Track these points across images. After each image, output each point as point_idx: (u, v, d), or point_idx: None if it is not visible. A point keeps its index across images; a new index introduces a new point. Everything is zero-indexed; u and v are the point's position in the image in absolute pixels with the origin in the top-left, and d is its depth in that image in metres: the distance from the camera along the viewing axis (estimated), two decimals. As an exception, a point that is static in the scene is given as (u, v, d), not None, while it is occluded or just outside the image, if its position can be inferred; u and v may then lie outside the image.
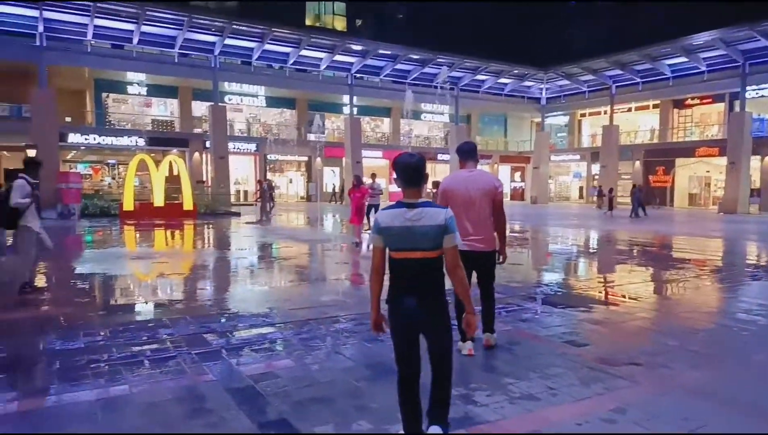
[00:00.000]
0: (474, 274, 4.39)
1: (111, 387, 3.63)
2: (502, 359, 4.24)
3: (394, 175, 2.72)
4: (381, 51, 32.89)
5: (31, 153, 18.66)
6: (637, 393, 3.58)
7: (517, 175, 46.98)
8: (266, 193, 20.42)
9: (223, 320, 5.45)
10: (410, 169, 2.66)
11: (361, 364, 4.08)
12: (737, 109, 31.21)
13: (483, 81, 38.98)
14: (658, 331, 5.19)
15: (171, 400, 3.40)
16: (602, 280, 8.74)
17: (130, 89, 33.53)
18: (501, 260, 4.52)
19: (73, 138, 29.50)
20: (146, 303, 6.48)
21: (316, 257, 11.19)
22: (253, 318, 5.54)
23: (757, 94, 31.42)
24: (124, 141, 30.79)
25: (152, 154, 25.79)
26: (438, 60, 34.82)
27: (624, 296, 6.99)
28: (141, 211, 18.92)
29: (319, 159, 34.66)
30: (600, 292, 7.38)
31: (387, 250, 2.66)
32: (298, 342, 4.69)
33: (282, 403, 3.36)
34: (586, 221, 22.27)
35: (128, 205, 19.35)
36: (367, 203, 14.44)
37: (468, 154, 4.39)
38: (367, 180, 14.97)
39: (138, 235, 14.94)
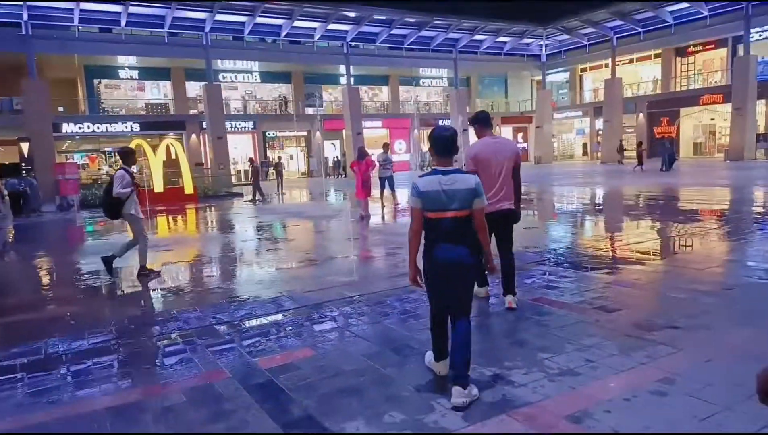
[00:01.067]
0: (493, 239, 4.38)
1: (119, 393, 3.42)
2: (533, 332, 4.03)
3: (428, 146, 3.23)
4: (375, 16, 31.98)
5: (132, 143, 18.67)
6: (682, 360, 3.37)
7: (520, 135, 46.31)
8: (258, 172, 20.08)
9: (233, 309, 5.22)
10: (445, 141, 3.12)
11: (386, 348, 3.88)
12: (741, 53, 30.37)
13: (481, 41, 38.02)
14: (690, 289, 4.96)
15: (186, 403, 3.19)
16: (626, 238, 8.48)
17: (122, 74, 32.90)
18: (516, 219, 4.80)
19: (67, 128, 29.09)
20: (152, 296, 6.27)
21: (323, 235, 10.97)
22: (264, 304, 5.32)
23: (760, 36, 30.53)
24: (119, 127, 30.36)
25: (148, 139, 25.41)
26: (435, 22, 33.87)
27: (650, 254, 6.75)
28: (141, 198, 18.61)
29: (318, 133, 34.24)
30: (625, 252, 7.12)
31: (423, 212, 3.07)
32: (314, 328, 4.49)
33: (306, 397, 3.15)
34: (619, 178, 21.76)
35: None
36: (379, 177, 14.11)
37: (484, 121, 4.72)
38: (376, 151, 14.51)
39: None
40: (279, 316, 4.87)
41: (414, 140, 38.22)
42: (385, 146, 14.95)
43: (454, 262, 3.02)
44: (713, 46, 34.22)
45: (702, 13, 31.11)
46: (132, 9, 26.74)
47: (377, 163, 14.06)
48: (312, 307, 5.08)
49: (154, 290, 6.38)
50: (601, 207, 13.46)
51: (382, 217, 12.82)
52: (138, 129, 30.58)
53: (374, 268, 7.19)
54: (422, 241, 3.14)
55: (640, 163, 24.23)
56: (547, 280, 5.63)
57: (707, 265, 5.91)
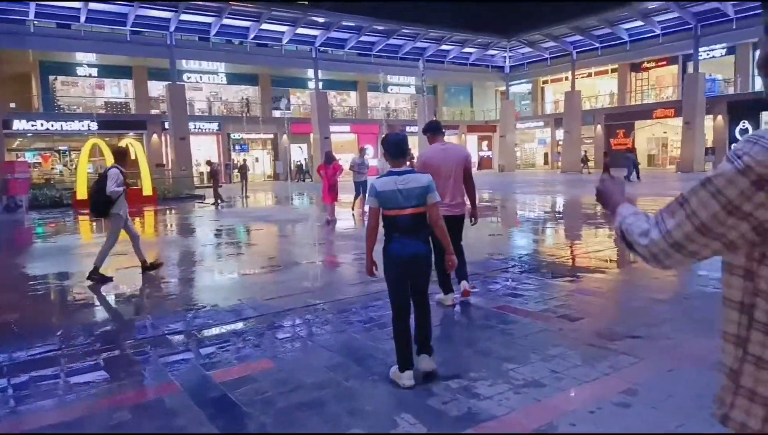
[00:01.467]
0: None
1: (60, 408, 3.18)
2: (498, 341, 4.00)
3: (382, 150, 3.46)
4: (344, 23, 31.92)
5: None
6: (644, 370, 3.39)
7: (485, 144, 47.01)
8: (217, 174, 19.58)
9: (189, 317, 5.01)
10: (397, 144, 3.40)
11: (349, 359, 3.78)
12: (690, 70, 31.69)
13: (448, 51, 38.46)
14: (650, 298, 5.05)
15: (133, 419, 3.00)
16: (587, 247, 8.63)
17: (80, 71, 31.77)
18: (474, 222, 5.15)
19: (19, 125, 27.86)
20: (103, 303, 5.96)
21: (287, 239, 10.78)
22: (223, 313, 5.12)
23: (708, 55, 32.02)
24: (75, 125, 29.28)
25: (107, 138, 24.55)
26: (403, 31, 34.07)
27: (610, 262, 6.87)
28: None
29: (285, 136, 33.86)
30: (586, 260, 7.22)
31: (381, 210, 3.29)
32: (275, 337, 4.35)
33: (263, 412, 3.01)
34: (581, 187, 22.27)
35: (81, 193, 18.23)
36: (354, 181, 13.88)
37: (435, 130, 4.97)
38: (345, 156, 14.29)
39: (92, 226, 14.17)
40: (238, 325, 4.70)
41: (381, 146, 38.26)
42: (361, 150, 14.70)
43: (411, 255, 3.26)
44: (665, 62, 35.65)
45: (655, 32, 32.34)
46: (93, 5, 25.84)
47: (354, 167, 13.88)
48: (273, 315, 4.93)
49: (105, 297, 6.10)
50: (562, 215, 13.71)
51: (354, 221, 12.71)
52: (96, 128, 29.53)
53: (339, 274, 7.08)
54: (380, 237, 3.36)
55: (607, 171, 24.76)
56: (511, 287, 5.65)
57: (664, 274, 6.05)
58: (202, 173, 34.05)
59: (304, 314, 4.92)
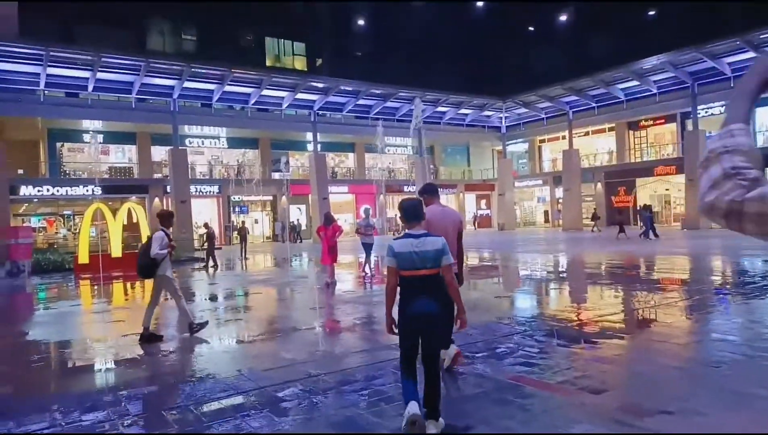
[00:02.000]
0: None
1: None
2: (518, 419, 3.70)
3: (399, 214, 3.74)
4: (343, 87, 32.82)
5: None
6: (681, 452, 3.09)
7: (483, 202, 47.28)
8: (213, 237, 19.42)
9: (185, 390, 4.71)
10: (412, 209, 3.63)
11: (357, 441, 3.47)
12: (689, 127, 32.25)
13: (444, 112, 39.36)
14: (674, 366, 4.76)
15: None
16: (601, 309, 8.35)
17: (86, 137, 32.33)
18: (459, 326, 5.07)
19: (25, 190, 28.15)
20: (94, 373, 5.65)
21: (286, 303, 10.49)
22: (220, 385, 4.81)
23: (706, 112, 32.63)
24: (79, 190, 29.52)
25: (110, 203, 24.70)
26: (399, 94, 34.97)
27: (628, 326, 6.58)
28: (97, 264, 17.65)
29: (284, 197, 34.05)
30: (602, 324, 6.93)
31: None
32: (277, 415, 4.04)
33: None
34: (586, 246, 22.05)
35: (83, 257, 18.12)
36: (362, 243, 13.64)
37: (432, 193, 5.23)
38: (344, 216, 14.15)
39: (91, 290, 13.91)
40: (235, 400, 4.39)
41: (380, 206, 38.38)
42: (366, 211, 14.15)
43: (424, 314, 3.40)
44: (663, 121, 36.33)
45: (651, 91, 33.13)
46: (100, 75, 26.66)
47: (360, 229, 13.67)
48: (273, 388, 4.63)
49: (92, 367, 5.78)
50: (570, 276, 13.42)
51: (366, 284, 12.43)
52: (100, 192, 29.64)
53: (341, 341, 6.76)
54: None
55: (622, 230, 24.17)
56: (524, 355, 5.35)
57: (688, 340, 5.77)
58: (201, 236, 34.02)
59: (305, 387, 4.61)
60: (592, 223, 32.12)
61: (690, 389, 4.13)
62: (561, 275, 13.35)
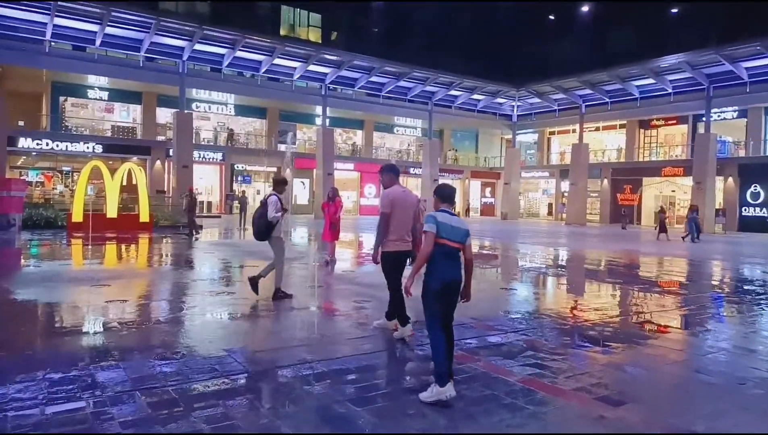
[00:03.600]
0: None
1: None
2: (532, 428, 3.44)
3: (434, 195, 4.29)
4: (356, 62, 32.20)
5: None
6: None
7: (488, 190, 46.95)
8: (195, 203, 18.97)
9: (165, 370, 4.38)
10: (450, 192, 4.24)
11: (357, 439, 3.22)
12: (700, 130, 31.79)
13: (456, 96, 38.76)
14: (699, 380, 4.51)
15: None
16: (611, 309, 8.10)
17: (91, 93, 31.95)
18: (411, 262, 5.42)
19: (24, 142, 27.78)
20: (68, 343, 5.30)
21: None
22: (205, 366, 4.49)
23: (719, 117, 32.16)
24: (80, 147, 29.15)
25: (110, 162, 24.40)
26: (413, 74, 34.35)
27: (647, 330, 6.32)
28: (91, 223, 17.32)
29: (288, 170, 33.69)
30: (618, 326, 6.67)
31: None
32: (266, 404, 3.79)
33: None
34: (592, 240, 21.87)
35: (77, 215, 17.75)
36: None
37: (396, 173, 5.66)
38: (349, 193, 13.79)
39: (81, 250, 13.64)
40: (219, 384, 4.09)
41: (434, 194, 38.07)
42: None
43: (456, 280, 3.94)
44: (675, 121, 35.83)
45: (666, 90, 32.54)
46: (109, 30, 26.04)
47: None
48: (261, 374, 4.38)
49: (62, 333, 5.53)
50: (581, 272, 13.16)
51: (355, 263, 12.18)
52: (100, 150, 29.43)
53: (338, 325, 6.48)
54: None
55: (663, 230, 22.97)
56: (534, 356, 5.09)
57: (709, 350, 5.51)
58: (201, 202, 33.76)
59: (296, 374, 4.35)
60: (623, 221, 32.02)
61: (718, 407, 3.89)
62: (568, 269, 13.07)
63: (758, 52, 26.63)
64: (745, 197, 30.69)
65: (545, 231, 27.95)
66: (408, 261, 5.48)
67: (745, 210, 30.29)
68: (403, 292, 4.04)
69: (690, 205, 25.95)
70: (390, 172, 5.60)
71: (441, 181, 39.15)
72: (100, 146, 29.67)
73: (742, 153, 32.29)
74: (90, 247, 14.10)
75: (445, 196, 4.17)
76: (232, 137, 35.49)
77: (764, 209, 29.71)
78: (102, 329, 5.81)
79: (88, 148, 29.23)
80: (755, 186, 30.27)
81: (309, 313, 6.80)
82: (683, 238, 22.36)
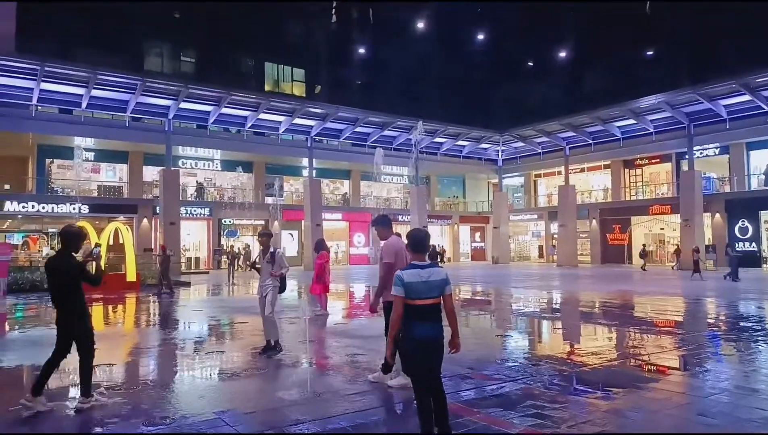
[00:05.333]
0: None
1: None
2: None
3: (407, 242, 4.02)
4: (340, 114, 32.69)
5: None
6: None
7: (477, 235, 46.94)
8: (169, 261, 18.15)
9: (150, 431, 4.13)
10: (420, 240, 3.85)
11: None
12: (684, 168, 32.28)
13: (441, 143, 39.30)
14: (702, 422, 4.23)
15: None
16: (607, 353, 7.82)
17: (77, 155, 31.90)
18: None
19: (10, 206, 27.47)
20: (52, 411, 5.03)
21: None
22: (195, 431, 4.24)
23: (701, 154, 32.74)
24: (66, 208, 28.83)
25: (96, 222, 24.14)
26: (397, 123, 34.90)
27: (640, 372, 6.06)
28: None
29: (277, 222, 33.52)
30: (613, 370, 6.40)
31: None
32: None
33: None
34: (586, 283, 21.64)
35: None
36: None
37: (390, 225, 5.87)
38: (341, 244, 13.58)
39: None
40: None
41: (373, 234, 37.96)
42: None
43: (432, 339, 3.64)
44: (659, 160, 36.42)
45: (648, 130, 33.22)
46: (95, 92, 26.30)
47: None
48: None
49: (47, 399, 5.16)
50: (574, 315, 12.89)
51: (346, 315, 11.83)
52: (87, 211, 29.13)
53: (331, 381, 6.16)
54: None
55: (697, 270, 21.98)
56: (533, 405, 4.81)
57: (710, 391, 5.25)
58: (189, 259, 33.32)
59: (289, 437, 4.05)
60: (642, 260, 30.43)
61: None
62: (562, 314, 12.80)
63: (735, 89, 27.38)
64: (734, 232, 30.85)
65: (539, 274, 27.74)
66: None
67: (736, 245, 30.42)
68: (389, 360, 3.85)
69: (727, 242, 25.08)
70: (384, 224, 5.77)
71: (429, 228, 39.55)
72: (87, 207, 29.39)
73: (727, 188, 32.70)
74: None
75: (414, 246, 3.82)
76: (202, 191, 35.02)
77: (754, 244, 29.82)
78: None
79: (74, 208, 28.92)
80: (743, 221, 30.50)
81: (301, 369, 6.47)
82: (729, 278, 20.56)
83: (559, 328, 10.32)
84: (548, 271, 29.51)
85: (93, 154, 32.23)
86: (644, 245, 32.58)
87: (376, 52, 45.61)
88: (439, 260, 14.76)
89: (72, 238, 5.10)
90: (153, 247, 30.20)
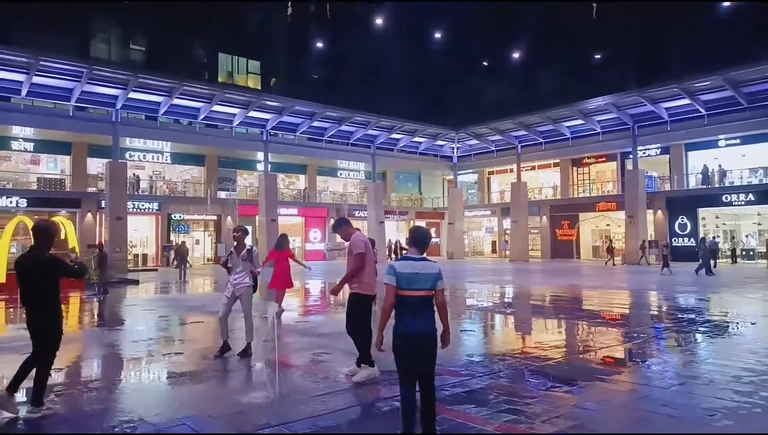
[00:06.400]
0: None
1: None
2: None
3: (407, 238, 4.15)
4: (297, 108, 32.21)
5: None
6: None
7: (432, 230, 47.41)
8: (106, 259, 17.43)
9: None
10: (421, 236, 3.97)
11: None
12: (629, 167, 33.71)
13: (398, 139, 39.43)
14: (668, 414, 4.39)
15: None
16: (572, 346, 8.02)
17: (15, 145, 30.08)
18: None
19: (-63, 199, 25.65)
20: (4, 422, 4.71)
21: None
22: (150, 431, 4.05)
23: (644, 153, 34.27)
24: (2, 202, 27.22)
25: (35, 217, 22.76)
26: (354, 118, 34.73)
27: (607, 366, 6.24)
28: (16, 283, 15.78)
29: (230, 218, 32.73)
30: (578, 362, 6.56)
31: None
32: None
33: None
34: (532, 276, 22.11)
35: (1, 276, 16.31)
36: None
37: (349, 224, 6.11)
38: (296, 239, 13.32)
39: (5, 314, 12.44)
40: None
41: (329, 230, 37.70)
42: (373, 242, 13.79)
43: (418, 333, 3.60)
44: (605, 159, 37.85)
45: (595, 130, 34.46)
46: (36, 79, 24.83)
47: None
48: None
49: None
50: (533, 309, 13.19)
51: (305, 312, 11.67)
52: (25, 205, 27.57)
53: (297, 382, 6.03)
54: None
55: (666, 265, 22.19)
56: (505, 400, 4.86)
57: (671, 384, 5.47)
58: (136, 256, 32.06)
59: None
60: (607, 255, 31.00)
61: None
62: (520, 308, 13.08)
63: (676, 93, 28.78)
64: (674, 228, 32.45)
65: (494, 269, 28.29)
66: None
67: (675, 240, 31.97)
68: (375, 348, 3.87)
69: (703, 235, 26.21)
70: (345, 224, 6.08)
71: (386, 223, 39.63)
72: (24, 200, 27.82)
73: (668, 187, 34.33)
74: (15, 309, 12.85)
75: (414, 240, 3.94)
76: (138, 184, 33.24)
77: (692, 239, 31.46)
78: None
79: (10, 202, 27.34)
80: (682, 217, 32.11)
81: (265, 370, 6.30)
82: (702, 272, 20.81)
83: (521, 323, 10.54)
84: (502, 266, 30.16)
85: (32, 144, 30.48)
86: (610, 241, 33.66)
87: (333, 46, 45.26)
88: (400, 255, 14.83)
89: (46, 233, 4.81)
90: (98, 243, 28.88)
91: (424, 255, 3.86)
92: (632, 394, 5.06)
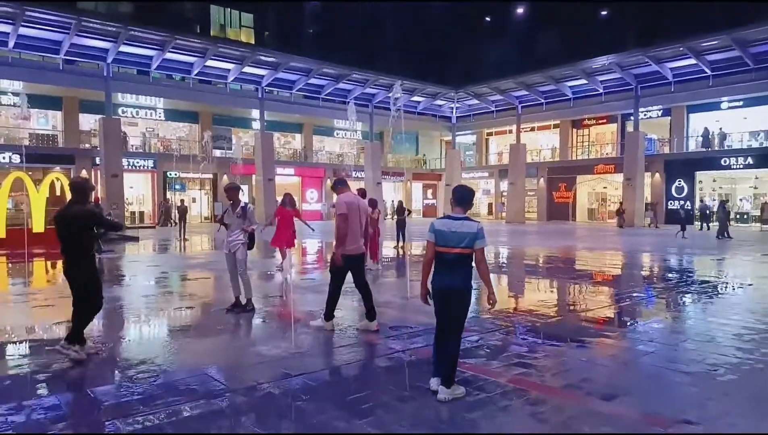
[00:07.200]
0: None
1: None
2: (537, 430, 3.18)
3: (450, 197, 4.11)
4: (293, 64, 31.49)
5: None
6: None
7: (429, 192, 47.34)
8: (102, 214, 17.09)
9: (140, 396, 3.90)
10: (466, 194, 4.05)
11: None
12: (629, 129, 33.41)
13: (396, 99, 38.70)
14: (677, 369, 4.41)
15: None
16: (585, 304, 8.06)
17: (3, 99, 29.38)
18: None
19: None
20: (21, 366, 4.70)
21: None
22: (184, 386, 4.03)
23: (645, 115, 33.89)
24: (-5, 157, 26.80)
25: (30, 173, 22.45)
26: (353, 76, 34.02)
27: (617, 324, 6.26)
28: (15, 239, 15.70)
29: (225, 176, 32.44)
30: (589, 319, 6.59)
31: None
32: (253, 426, 3.34)
33: None
34: (534, 237, 22.17)
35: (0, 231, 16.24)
36: None
37: (345, 184, 6.02)
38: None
39: (7, 269, 12.38)
40: (208, 405, 3.63)
41: (326, 190, 37.53)
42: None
43: (451, 288, 3.81)
44: (605, 121, 37.44)
45: (598, 90, 33.96)
46: (23, 30, 24.03)
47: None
48: (248, 391, 3.91)
49: (21, 363, 4.80)
50: (538, 269, 13.26)
51: (310, 269, 11.65)
52: (18, 161, 27.11)
53: (311, 335, 6.01)
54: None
55: (684, 228, 21.81)
56: (516, 355, 4.88)
57: (679, 340, 5.49)
58: (133, 213, 31.89)
59: (285, 390, 3.91)
60: (618, 218, 30.35)
61: (705, 395, 3.81)
62: (525, 266, 13.14)
63: (682, 53, 28.23)
64: (671, 192, 32.47)
65: (494, 230, 28.32)
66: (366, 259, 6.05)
67: (671, 203, 32.04)
68: (421, 300, 4.00)
69: (720, 199, 25.35)
70: (342, 184, 6.10)
71: (383, 184, 39.41)
72: (17, 156, 27.36)
73: (666, 150, 34.14)
74: (19, 265, 12.78)
75: (456, 199, 4.01)
76: (126, 142, 32.56)
77: (688, 202, 31.54)
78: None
79: (3, 158, 26.92)
80: (680, 180, 32.09)
81: (278, 324, 6.29)
82: (718, 236, 20.68)
83: (530, 282, 10.58)
84: (497, 227, 30.22)
85: (21, 99, 29.73)
86: (621, 204, 32.80)
87: (330, 1, 43.95)
88: (406, 215, 15.12)
89: (82, 189, 5.09)
90: (95, 199, 28.63)
91: (467, 214, 3.94)
92: (639, 351, 5.08)
